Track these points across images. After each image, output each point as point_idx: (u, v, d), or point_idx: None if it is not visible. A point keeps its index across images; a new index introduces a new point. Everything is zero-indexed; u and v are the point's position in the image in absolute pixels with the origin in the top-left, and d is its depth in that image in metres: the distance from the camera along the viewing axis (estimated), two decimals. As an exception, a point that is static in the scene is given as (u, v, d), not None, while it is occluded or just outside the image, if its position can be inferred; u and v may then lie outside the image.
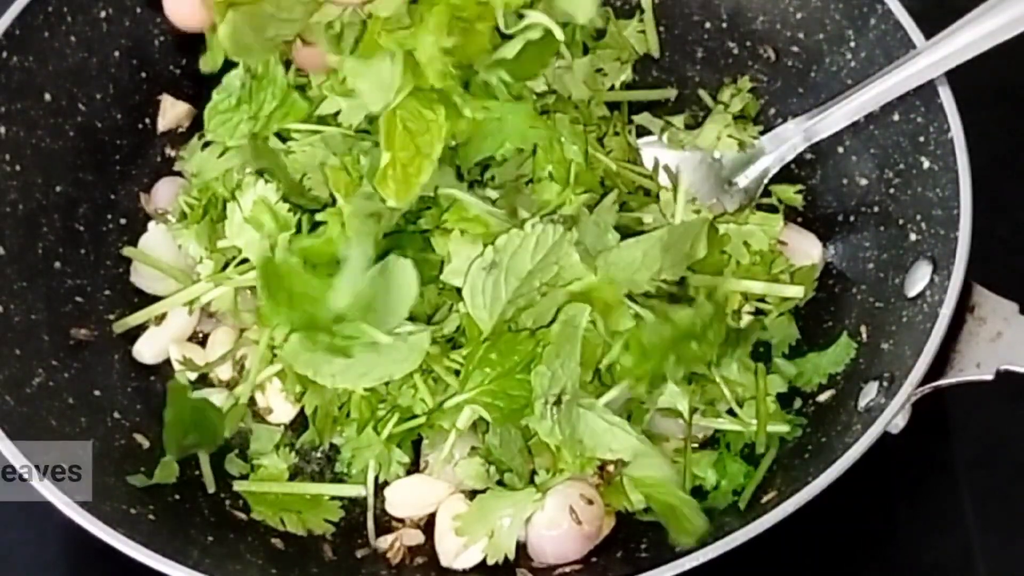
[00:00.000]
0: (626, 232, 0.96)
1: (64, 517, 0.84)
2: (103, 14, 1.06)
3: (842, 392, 0.94)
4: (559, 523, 0.90)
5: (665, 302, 0.91)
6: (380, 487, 0.94)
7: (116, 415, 0.98)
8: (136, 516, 0.88)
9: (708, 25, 1.14)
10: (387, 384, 0.92)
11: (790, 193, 1.06)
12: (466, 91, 0.84)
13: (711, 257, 0.95)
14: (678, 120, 1.10)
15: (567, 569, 0.91)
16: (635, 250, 0.91)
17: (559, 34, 0.80)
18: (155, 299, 1.03)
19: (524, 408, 0.88)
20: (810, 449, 0.93)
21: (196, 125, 1.12)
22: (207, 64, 0.81)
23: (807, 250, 1.03)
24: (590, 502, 0.90)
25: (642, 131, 1.09)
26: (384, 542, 0.93)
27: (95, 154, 1.06)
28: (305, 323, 0.86)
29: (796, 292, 0.99)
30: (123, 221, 1.07)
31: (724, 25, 1.14)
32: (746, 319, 0.97)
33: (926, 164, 0.97)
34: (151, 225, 1.06)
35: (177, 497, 0.93)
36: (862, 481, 0.85)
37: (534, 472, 0.91)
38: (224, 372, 1.00)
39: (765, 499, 0.89)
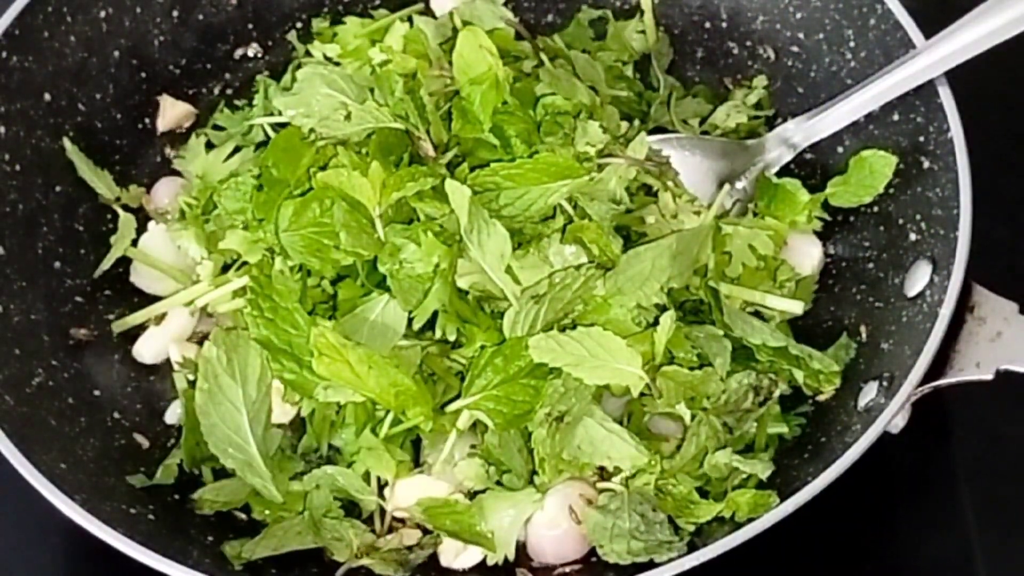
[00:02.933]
0: (627, 232, 0.96)
1: (64, 517, 0.84)
2: (103, 14, 1.06)
3: (842, 392, 0.94)
4: (559, 523, 0.90)
5: None
6: (380, 488, 0.94)
7: (116, 415, 0.98)
8: (136, 516, 0.88)
9: (708, 25, 1.14)
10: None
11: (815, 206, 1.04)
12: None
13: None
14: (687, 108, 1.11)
15: (567, 569, 0.91)
16: (643, 260, 0.91)
17: None
18: (155, 299, 1.03)
19: (527, 414, 0.88)
20: (810, 449, 0.93)
21: (196, 125, 1.12)
22: None
23: (807, 250, 1.03)
24: (590, 502, 0.90)
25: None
26: (384, 542, 0.93)
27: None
28: (284, 343, 0.88)
29: (796, 308, 0.98)
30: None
31: (724, 25, 1.14)
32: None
33: (926, 164, 0.97)
34: (151, 225, 1.06)
35: (177, 497, 0.93)
36: (862, 481, 0.85)
37: (534, 472, 0.91)
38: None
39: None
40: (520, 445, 0.91)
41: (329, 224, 0.91)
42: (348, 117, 0.96)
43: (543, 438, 0.88)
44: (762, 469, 0.89)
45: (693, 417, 0.91)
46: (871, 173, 1.00)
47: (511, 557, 0.90)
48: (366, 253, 0.91)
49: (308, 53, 1.12)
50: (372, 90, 0.99)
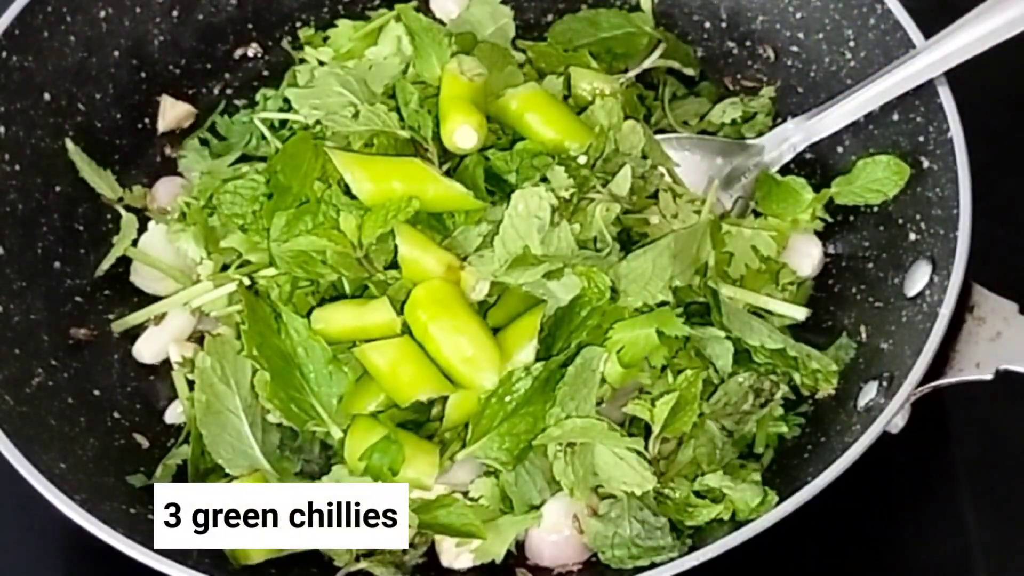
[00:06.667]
0: (628, 232, 0.96)
1: (64, 517, 0.84)
2: (103, 14, 1.06)
3: (841, 392, 0.94)
4: (560, 529, 0.90)
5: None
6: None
7: (116, 415, 0.98)
8: (136, 516, 0.88)
9: (708, 25, 1.14)
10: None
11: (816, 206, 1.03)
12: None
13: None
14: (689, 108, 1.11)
15: (565, 570, 0.91)
16: (644, 261, 0.91)
17: None
18: (155, 299, 1.03)
19: (532, 444, 0.89)
20: (810, 449, 0.93)
21: (196, 125, 1.12)
22: None
23: (807, 250, 1.03)
24: (595, 512, 0.90)
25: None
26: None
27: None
28: (274, 368, 0.89)
29: (799, 314, 0.98)
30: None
31: (724, 25, 1.14)
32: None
33: (926, 164, 0.97)
34: (151, 225, 1.06)
35: (177, 497, 0.93)
36: (862, 481, 0.85)
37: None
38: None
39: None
40: (535, 475, 0.91)
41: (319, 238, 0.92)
42: (356, 116, 0.96)
43: (563, 468, 0.88)
44: (751, 496, 0.88)
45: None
46: (883, 178, 0.99)
47: (498, 561, 0.90)
48: (349, 274, 0.92)
49: (302, 60, 1.12)
50: (392, 95, 1.00)
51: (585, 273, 0.90)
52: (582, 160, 0.96)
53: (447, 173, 0.96)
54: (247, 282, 0.96)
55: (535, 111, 0.98)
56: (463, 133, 0.94)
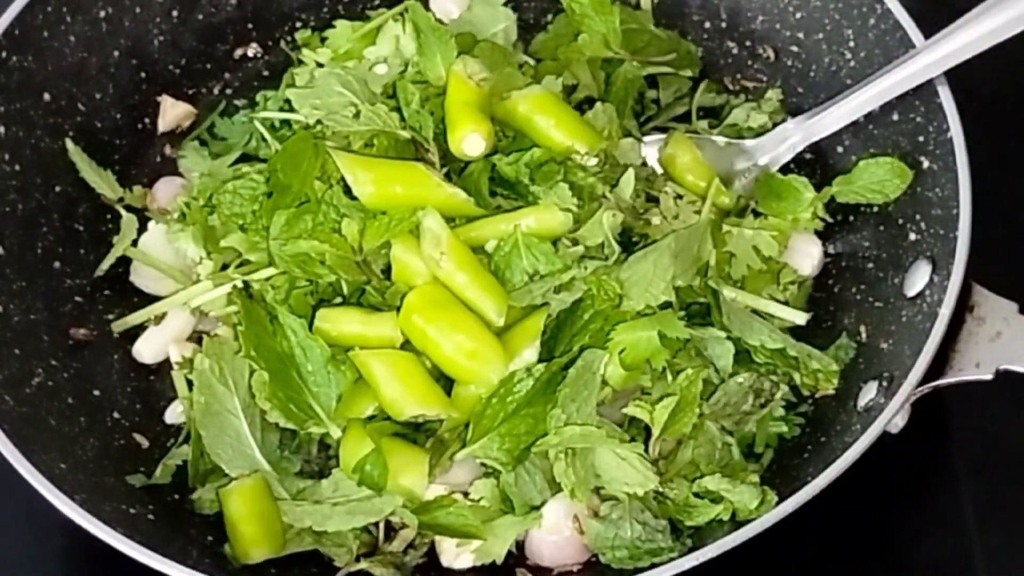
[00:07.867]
0: (630, 233, 0.96)
1: (64, 517, 0.84)
2: (103, 14, 1.06)
3: (842, 392, 0.94)
4: (560, 529, 0.90)
5: None
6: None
7: (116, 415, 0.98)
8: (136, 516, 0.88)
9: (708, 25, 1.14)
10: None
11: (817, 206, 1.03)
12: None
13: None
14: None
15: (565, 570, 0.91)
16: (645, 263, 0.91)
17: None
18: (155, 299, 1.03)
19: (532, 445, 0.88)
20: (810, 449, 0.93)
21: (196, 125, 1.13)
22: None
23: (807, 249, 1.03)
24: (596, 513, 0.90)
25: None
26: (384, 546, 0.93)
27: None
28: (272, 368, 0.89)
29: (799, 318, 0.98)
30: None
31: (724, 25, 1.14)
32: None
33: (926, 164, 0.97)
34: (151, 225, 1.06)
35: (177, 497, 0.93)
36: (862, 481, 0.85)
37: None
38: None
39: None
40: (535, 476, 0.91)
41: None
42: (356, 116, 0.96)
43: (564, 469, 0.88)
44: (750, 498, 0.88)
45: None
46: (885, 179, 0.99)
47: (499, 562, 0.90)
48: (348, 277, 0.92)
49: (300, 61, 1.12)
50: (392, 95, 1.00)
51: (594, 282, 0.90)
52: (592, 162, 0.96)
53: (447, 175, 0.96)
54: (242, 285, 0.97)
55: (544, 114, 0.98)
56: (472, 141, 0.94)
